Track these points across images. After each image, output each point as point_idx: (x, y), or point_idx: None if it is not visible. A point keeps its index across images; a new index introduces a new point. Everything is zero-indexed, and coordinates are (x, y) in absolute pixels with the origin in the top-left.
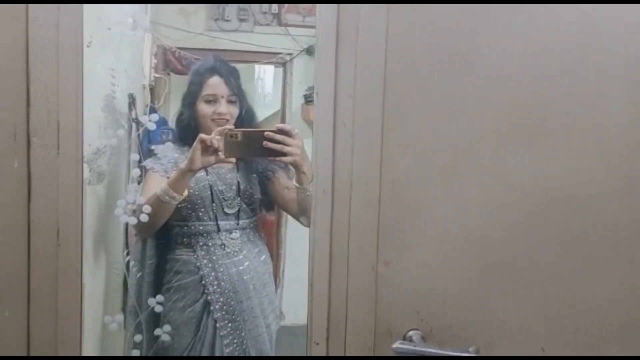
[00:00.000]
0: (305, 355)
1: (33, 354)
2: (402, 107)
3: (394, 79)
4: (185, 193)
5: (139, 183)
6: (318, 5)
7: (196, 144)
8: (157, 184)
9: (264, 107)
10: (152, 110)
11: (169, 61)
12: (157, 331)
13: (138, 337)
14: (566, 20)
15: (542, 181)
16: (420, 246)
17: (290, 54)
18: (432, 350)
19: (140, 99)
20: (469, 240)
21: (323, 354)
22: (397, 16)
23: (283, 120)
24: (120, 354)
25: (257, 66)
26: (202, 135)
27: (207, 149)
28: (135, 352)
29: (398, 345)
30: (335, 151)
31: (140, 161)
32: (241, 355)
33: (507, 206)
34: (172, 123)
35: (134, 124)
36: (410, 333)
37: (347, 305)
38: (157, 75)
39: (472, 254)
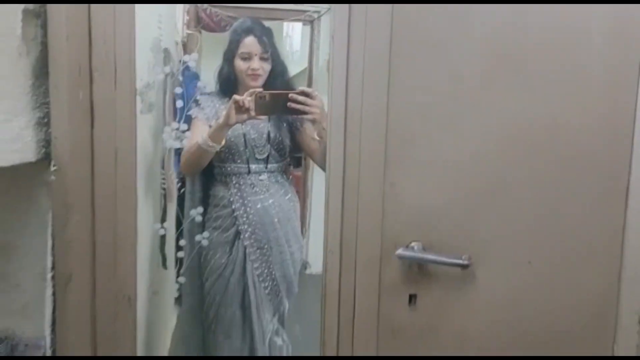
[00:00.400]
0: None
1: (97, 255)
2: (407, 51)
3: (401, 27)
4: (223, 142)
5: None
6: None
7: (231, 104)
8: (200, 131)
9: (293, 64)
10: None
11: (201, 18)
12: (198, 237)
13: (182, 242)
14: None
15: (527, 116)
16: (421, 170)
17: (317, 12)
18: (431, 257)
19: (174, 54)
20: (464, 165)
21: (337, 261)
22: None
23: (310, 76)
24: (168, 255)
25: (285, 24)
26: (235, 97)
27: (240, 108)
28: (180, 254)
29: (401, 252)
30: (347, 90)
31: (182, 95)
32: (267, 277)
33: (496, 136)
34: (214, 76)
35: (168, 77)
36: (412, 244)
37: (357, 220)
38: (189, 31)
39: (466, 176)
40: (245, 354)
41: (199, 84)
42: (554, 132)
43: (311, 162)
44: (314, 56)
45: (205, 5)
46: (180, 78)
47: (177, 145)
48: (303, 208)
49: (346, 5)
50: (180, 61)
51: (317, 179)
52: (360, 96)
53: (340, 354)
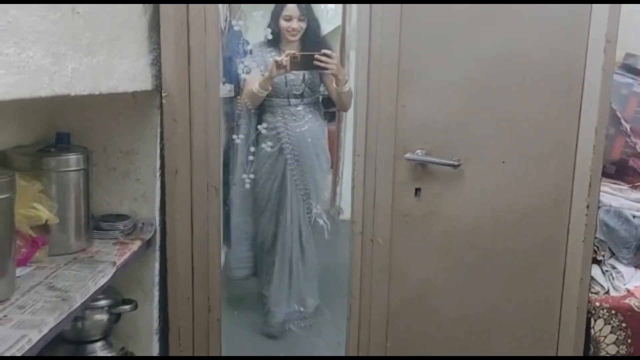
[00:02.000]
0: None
1: (194, 156)
2: (413, 7)
3: None
4: (270, 88)
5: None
6: None
7: (273, 63)
8: (254, 76)
9: (327, 22)
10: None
11: None
12: (264, 145)
13: (252, 149)
14: None
15: (503, 49)
16: (426, 93)
17: None
18: (430, 159)
19: (222, 9)
20: (456, 90)
21: (362, 162)
22: None
23: (343, 32)
24: (241, 158)
25: None
26: (275, 58)
27: (280, 65)
28: (250, 158)
29: (409, 156)
30: (371, 30)
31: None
32: (302, 183)
33: (481, 66)
34: (264, 30)
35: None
36: (417, 150)
37: (377, 132)
38: None
39: (460, 97)
40: (288, 234)
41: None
42: (522, 60)
43: (343, 116)
44: (347, 14)
45: None
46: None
47: (246, 77)
48: (337, 158)
49: None
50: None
51: (349, 133)
52: (380, 40)
53: (365, 231)
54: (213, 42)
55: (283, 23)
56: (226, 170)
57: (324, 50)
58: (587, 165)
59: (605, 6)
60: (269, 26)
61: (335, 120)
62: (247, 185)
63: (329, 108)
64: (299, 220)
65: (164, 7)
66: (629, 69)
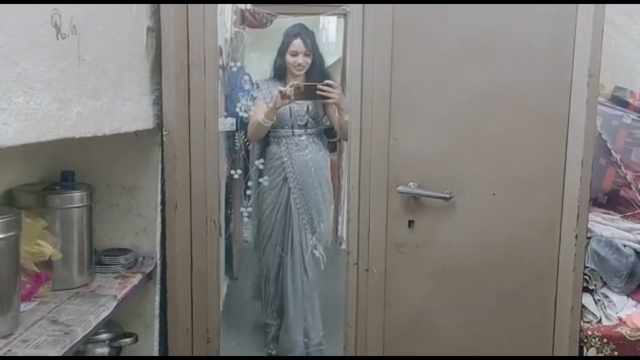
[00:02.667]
0: None
1: (193, 191)
2: (405, 43)
3: (400, 27)
4: (275, 119)
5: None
6: None
7: (277, 93)
8: (260, 108)
9: (328, 55)
10: (234, 60)
11: (245, 17)
12: (261, 180)
13: (250, 183)
14: None
15: (491, 84)
16: (417, 127)
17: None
18: (422, 192)
19: (225, 49)
20: (447, 123)
21: (356, 195)
22: None
23: (344, 64)
24: (240, 191)
25: (321, 17)
26: (280, 89)
27: (284, 95)
28: (249, 192)
29: (401, 189)
30: (363, 67)
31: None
32: (305, 210)
33: (470, 100)
34: (270, 65)
35: (220, 70)
36: (410, 183)
37: (370, 165)
38: (236, 29)
39: (451, 131)
40: (290, 263)
41: (253, 75)
42: (509, 94)
43: (345, 147)
44: (347, 47)
45: (250, 6)
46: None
47: (245, 115)
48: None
49: (360, 7)
50: (222, 66)
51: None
52: (372, 75)
53: (360, 262)
54: (212, 81)
55: (289, 58)
56: (228, 203)
57: (326, 81)
58: (574, 196)
59: (588, 41)
60: (275, 62)
61: (337, 150)
62: (245, 219)
63: (331, 138)
64: (301, 249)
65: (166, 51)
66: (618, 101)
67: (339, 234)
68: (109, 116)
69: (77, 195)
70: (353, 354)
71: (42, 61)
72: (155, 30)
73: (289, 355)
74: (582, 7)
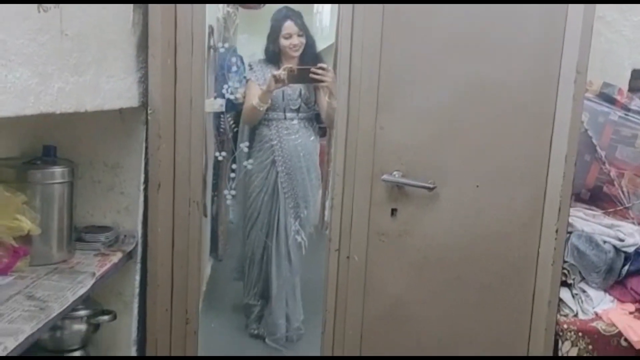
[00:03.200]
0: None
1: (177, 171)
2: (394, 33)
3: (390, 17)
4: (269, 102)
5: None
6: None
7: (271, 77)
8: (253, 90)
9: (322, 40)
10: (225, 40)
11: None
12: (245, 163)
13: (234, 166)
14: None
15: (477, 77)
16: (403, 117)
17: None
18: (406, 181)
19: (216, 29)
20: (433, 114)
21: (341, 182)
22: None
23: (337, 49)
24: (225, 173)
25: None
26: (273, 73)
27: (278, 79)
28: (233, 175)
29: (386, 177)
30: (351, 60)
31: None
32: (292, 194)
33: (456, 92)
34: (258, 51)
35: (211, 50)
36: (394, 172)
37: (356, 153)
38: (228, 9)
39: (437, 122)
40: (273, 248)
41: (245, 57)
42: (496, 88)
43: (334, 133)
44: (340, 32)
45: None
46: (222, 50)
47: (232, 97)
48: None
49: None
50: (212, 46)
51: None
52: (360, 64)
53: (342, 248)
54: (199, 61)
55: (284, 41)
56: (215, 185)
57: (320, 64)
58: (557, 191)
59: (577, 38)
60: (267, 48)
61: (327, 136)
62: (229, 202)
63: (322, 124)
64: (286, 233)
65: (153, 28)
66: (605, 97)
67: (326, 219)
68: (92, 93)
69: (58, 171)
70: (331, 340)
71: (22, 34)
72: (142, 7)
73: (272, 336)
74: (572, 5)
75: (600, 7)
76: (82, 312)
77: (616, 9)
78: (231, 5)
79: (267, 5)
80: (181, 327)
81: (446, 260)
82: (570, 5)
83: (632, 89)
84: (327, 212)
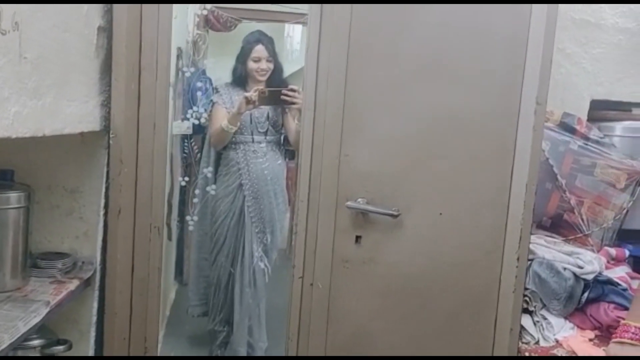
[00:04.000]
0: None
1: (138, 196)
2: (359, 60)
3: (355, 44)
4: (238, 124)
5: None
6: None
7: (242, 98)
8: (220, 113)
9: (292, 63)
10: (194, 63)
11: (209, 20)
12: (208, 188)
13: (197, 191)
14: (461, 9)
15: (442, 105)
16: (369, 144)
17: None
18: (370, 208)
19: (185, 52)
20: (397, 142)
21: (305, 208)
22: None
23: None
24: (189, 198)
25: (286, 25)
26: (245, 94)
27: (248, 100)
28: (195, 200)
29: (350, 204)
30: (317, 82)
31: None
32: (258, 219)
33: (421, 120)
34: (227, 74)
35: (180, 72)
36: (359, 199)
37: (320, 179)
38: (198, 32)
39: (401, 150)
40: (238, 274)
41: (214, 80)
42: (461, 118)
43: None
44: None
45: (213, 8)
46: (188, 75)
47: (197, 122)
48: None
49: (317, 21)
50: (181, 69)
51: None
52: (325, 90)
53: (305, 275)
54: (163, 85)
55: (252, 64)
56: (181, 209)
57: (291, 86)
58: (518, 219)
59: (537, 71)
60: (235, 69)
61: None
62: (191, 227)
63: (290, 147)
64: (251, 259)
65: (117, 52)
66: (566, 127)
67: (294, 243)
68: (51, 116)
69: (13, 196)
70: None
71: None
72: (107, 30)
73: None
74: (532, 38)
75: (561, 40)
76: (36, 342)
77: (576, 42)
78: (202, 28)
79: (240, 27)
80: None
81: (410, 288)
82: (531, 36)
83: (591, 119)
84: (294, 237)
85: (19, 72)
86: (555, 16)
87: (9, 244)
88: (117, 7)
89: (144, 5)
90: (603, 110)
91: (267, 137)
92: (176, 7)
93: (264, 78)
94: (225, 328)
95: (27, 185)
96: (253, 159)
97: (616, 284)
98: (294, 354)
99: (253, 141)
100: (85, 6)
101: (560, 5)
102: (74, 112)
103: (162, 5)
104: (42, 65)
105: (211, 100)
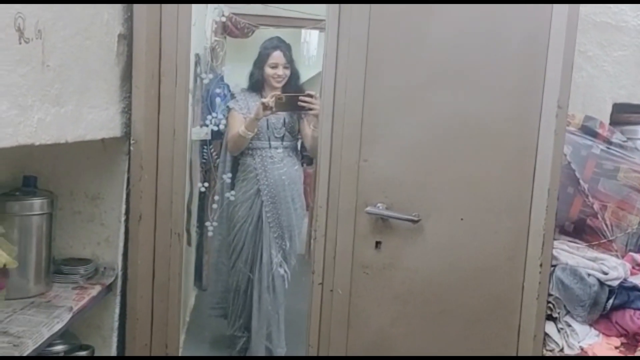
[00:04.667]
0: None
1: (159, 202)
2: (377, 65)
3: (374, 48)
4: (255, 130)
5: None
6: None
7: (259, 104)
8: (237, 119)
9: (308, 68)
10: (212, 69)
11: (227, 26)
12: (227, 194)
13: (216, 197)
14: (479, 11)
15: (461, 110)
16: (387, 150)
17: None
18: (390, 213)
19: (203, 58)
20: (416, 147)
21: (324, 214)
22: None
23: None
24: (208, 204)
25: (303, 31)
26: (262, 100)
27: (265, 106)
28: (214, 206)
29: (369, 209)
30: (336, 87)
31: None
32: (276, 224)
33: (440, 125)
34: (246, 77)
35: (198, 78)
36: (378, 204)
37: (339, 185)
38: (216, 38)
39: (421, 155)
40: (257, 280)
41: (231, 86)
42: (480, 122)
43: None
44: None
45: (231, 14)
46: (206, 81)
47: (215, 128)
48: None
49: (335, 26)
50: (199, 75)
51: None
52: (344, 96)
53: (325, 281)
54: (183, 91)
55: (269, 70)
56: (201, 214)
57: (308, 92)
58: (540, 224)
59: (558, 74)
60: (252, 74)
61: (313, 164)
62: (210, 233)
63: (307, 152)
64: (270, 265)
65: (137, 59)
66: (587, 131)
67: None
68: (73, 123)
69: (37, 202)
70: None
71: (2, 65)
72: (127, 38)
73: None
74: (553, 41)
75: (582, 43)
76: (59, 348)
77: (597, 44)
78: (219, 34)
79: (257, 33)
80: None
81: (431, 294)
82: (552, 40)
83: (613, 123)
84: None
85: (42, 79)
86: (576, 17)
87: (32, 250)
88: (137, 15)
89: (164, 12)
90: (625, 114)
91: (284, 143)
92: (194, 14)
93: (280, 84)
94: (244, 333)
95: (50, 192)
96: (270, 165)
97: None
98: None
99: (270, 147)
100: (105, 14)
101: (580, 7)
102: (95, 118)
103: (181, 12)
104: (64, 72)
105: (227, 107)
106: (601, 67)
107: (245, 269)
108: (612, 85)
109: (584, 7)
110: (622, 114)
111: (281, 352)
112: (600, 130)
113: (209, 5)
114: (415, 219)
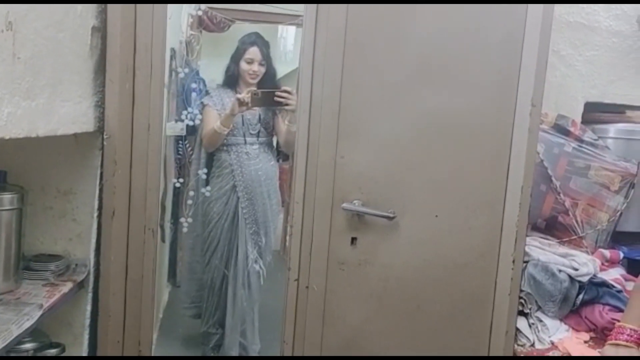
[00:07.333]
0: None
1: (132, 198)
2: (354, 61)
3: (351, 46)
4: (231, 126)
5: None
6: None
7: (234, 100)
8: (212, 115)
9: (285, 64)
10: (188, 63)
11: (203, 20)
12: (203, 190)
13: (191, 193)
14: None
15: (438, 107)
16: (364, 146)
17: None
18: (366, 210)
19: (179, 52)
20: (393, 144)
21: (300, 210)
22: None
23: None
24: (183, 200)
25: (280, 27)
26: (237, 95)
27: (241, 102)
28: (189, 202)
29: (346, 206)
30: (312, 83)
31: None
32: (252, 220)
33: (416, 122)
34: (220, 74)
35: (173, 73)
36: (355, 201)
37: (316, 181)
38: (192, 32)
39: (397, 152)
40: (232, 276)
41: (207, 81)
42: (457, 120)
43: None
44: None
45: (207, 8)
46: (182, 76)
47: (191, 123)
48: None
49: (313, 22)
50: (174, 70)
51: None
52: (321, 92)
53: (301, 278)
54: (158, 85)
55: (244, 65)
56: (174, 210)
57: (284, 87)
58: (513, 221)
59: (532, 73)
60: (228, 68)
61: (289, 159)
62: (185, 229)
63: (280, 149)
64: (245, 262)
65: (111, 52)
66: (560, 129)
67: (288, 244)
68: (45, 117)
69: (6, 197)
70: None
71: None
72: (101, 30)
73: None
74: (528, 40)
75: (556, 43)
76: (28, 346)
77: (570, 44)
78: (195, 28)
79: (234, 28)
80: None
81: (405, 290)
82: (526, 40)
83: (585, 122)
84: (288, 238)
85: (13, 72)
86: (551, 17)
87: (1, 246)
88: (112, 8)
89: (139, 6)
90: (597, 113)
91: (259, 139)
92: (170, 8)
93: (255, 81)
94: (218, 330)
95: (20, 187)
96: (246, 161)
97: (611, 286)
98: (289, 357)
99: (245, 143)
100: (79, 6)
101: (554, 7)
102: (67, 112)
103: (156, 6)
104: (36, 65)
105: (201, 103)
106: (574, 66)
107: (221, 266)
108: (584, 84)
109: (558, 7)
110: (594, 112)
111: (255, 348)
112: (572, 129)
113: None
114: (391, 215)
